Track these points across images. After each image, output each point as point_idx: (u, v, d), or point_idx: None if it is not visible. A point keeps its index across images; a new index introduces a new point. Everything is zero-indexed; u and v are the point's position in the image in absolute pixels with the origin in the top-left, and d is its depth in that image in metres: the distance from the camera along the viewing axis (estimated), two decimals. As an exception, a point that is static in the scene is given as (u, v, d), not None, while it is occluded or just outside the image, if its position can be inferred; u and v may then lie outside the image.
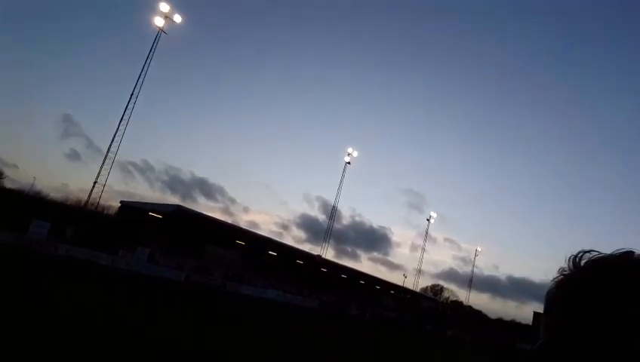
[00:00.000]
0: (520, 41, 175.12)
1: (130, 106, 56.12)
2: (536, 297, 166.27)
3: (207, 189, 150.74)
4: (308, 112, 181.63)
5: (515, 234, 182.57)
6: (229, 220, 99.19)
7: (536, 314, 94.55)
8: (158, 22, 56.04)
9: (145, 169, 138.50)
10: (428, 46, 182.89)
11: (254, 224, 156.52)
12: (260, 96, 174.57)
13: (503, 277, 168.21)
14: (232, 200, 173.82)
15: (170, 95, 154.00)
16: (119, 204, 66.20)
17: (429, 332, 59.63)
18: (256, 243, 64.43)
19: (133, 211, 59.28)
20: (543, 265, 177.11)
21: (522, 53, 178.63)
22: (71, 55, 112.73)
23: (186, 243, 52.77)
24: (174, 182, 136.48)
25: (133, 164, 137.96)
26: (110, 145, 55.10)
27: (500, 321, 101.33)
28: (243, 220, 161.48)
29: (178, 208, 55.90)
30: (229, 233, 61.66)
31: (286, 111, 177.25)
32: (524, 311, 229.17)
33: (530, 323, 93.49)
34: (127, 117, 55.67)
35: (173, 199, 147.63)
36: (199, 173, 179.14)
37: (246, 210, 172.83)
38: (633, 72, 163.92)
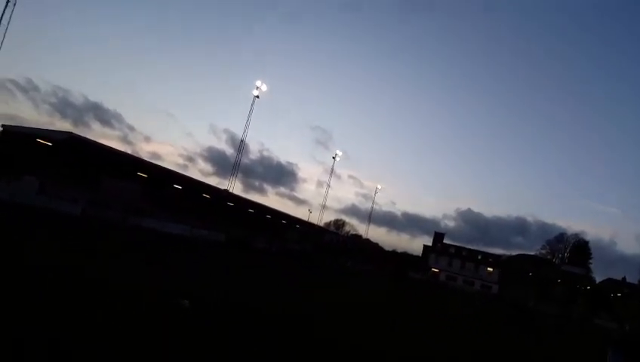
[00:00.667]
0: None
1: (7, 14, 49.23)
2: (426, 231, 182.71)
3: (103, 115, 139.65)
4: (215, 42, 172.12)
5: (411, 174, 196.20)
6: (128, 150, 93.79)
7: (425, 246, 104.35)
8: None
9: (28, 88, 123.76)
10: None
11: (157, 155, 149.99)
12: (165, 19, 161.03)
13: (399, 213, 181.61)
14: (131, 128, 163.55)
15: (59, 5, 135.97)
16: (0, 128, 59.41)
17: (330, 263, 63.22)
18: (159, 176, 62.08)
19: (17, 137, 53.51)
20: (434, 203, 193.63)
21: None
22: None
23: (80, 175, 49.25)
24: (64, 106, 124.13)
25: (14, 82, 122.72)
26: (-15, 61, 48.42)
27: (394, 253, 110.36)
28: (144, 150, 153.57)
29: (70, 136, 51.49)
30: (129, 164, 58.49)
31: (192, 37, 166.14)
32: (415, 244, 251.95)
33: (420, 255, 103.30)
34: (5, 26, 48.97)
35: (63, 124, 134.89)
36: (93, 97, 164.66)
37: (147, 139, 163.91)
38: None
